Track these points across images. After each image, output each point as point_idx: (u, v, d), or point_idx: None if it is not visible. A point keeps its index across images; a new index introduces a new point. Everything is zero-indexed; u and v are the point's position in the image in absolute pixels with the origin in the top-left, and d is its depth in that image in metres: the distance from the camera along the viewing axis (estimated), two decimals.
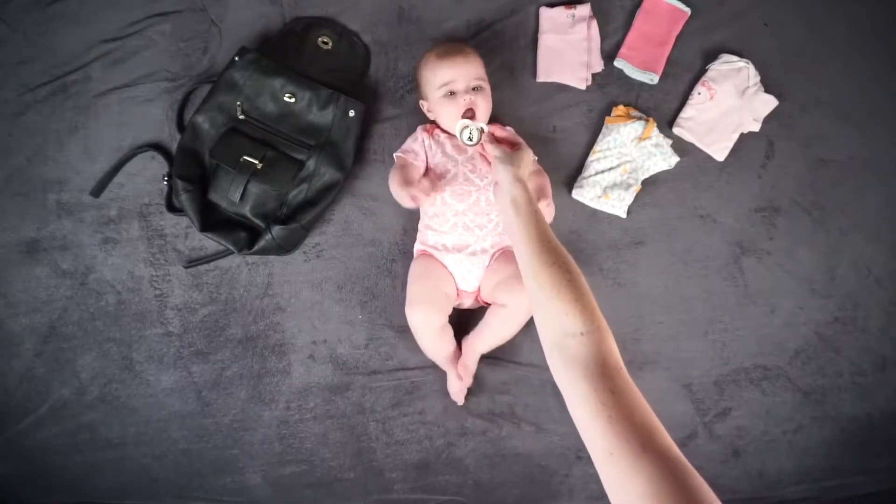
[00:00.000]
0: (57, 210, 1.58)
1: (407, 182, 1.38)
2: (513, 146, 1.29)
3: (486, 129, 1.34)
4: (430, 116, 1.50)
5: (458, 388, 1.48)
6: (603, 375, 0.86)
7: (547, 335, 0.96)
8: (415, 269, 1.45)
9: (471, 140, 1.35)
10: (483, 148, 1.33)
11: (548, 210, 1.41)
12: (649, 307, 1.54)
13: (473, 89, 1.41)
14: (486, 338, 1.45)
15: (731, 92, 1.55)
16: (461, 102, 1.39)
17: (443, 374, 1.52)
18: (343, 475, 1.53)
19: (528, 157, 1.28)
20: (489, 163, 1.32)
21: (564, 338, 0.92)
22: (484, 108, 1.42)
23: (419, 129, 1.51)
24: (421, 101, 1.50)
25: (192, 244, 1.57)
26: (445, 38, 1.60)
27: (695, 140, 1.56)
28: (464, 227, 1.42)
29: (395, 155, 1.47)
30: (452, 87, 1.40)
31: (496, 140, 1.31)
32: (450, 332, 1.45)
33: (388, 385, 1.53)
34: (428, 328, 1.39)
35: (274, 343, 1.55)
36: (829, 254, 1.56)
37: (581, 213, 1.56)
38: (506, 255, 1.44)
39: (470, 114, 1.39)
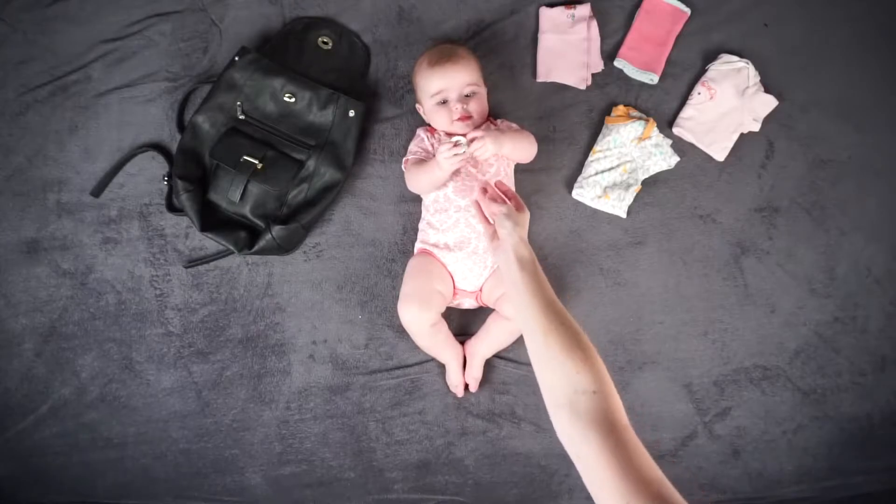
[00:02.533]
0: (57, 210, 1.58)
1: (427, 163, 1.40)
2: (515, 202, 1.26)
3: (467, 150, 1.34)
4: (427, 120, 1.50)
5: (457, 381, 1.49)
6: (613, 430, 0.89)
7: (556, 392, 0.97)
8: (411, 265, 1.46)
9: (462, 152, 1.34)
10: (481, 195, 1.29)
11: (522, 134, 1.46)
12: (649, 307, 1.54)
13: (466, 96, 1.42)
14: (487, 344, 1.47)
15: (730, 92, 1.55)
16: (453, 110, 1.41)
17: (443, 374, 1.52)
18: (343, 475, 1.53)
19: (528, 219, 1.27)
20: (486, 219, 1.28)
21: (576, 394, 0.94)
22: (477, 112, 1.43)
23: (420, 130, 1.52)
24: (417, 105, 1.51)
25: (192, 244, 1.57)
26: (442, 39, 1.60)
27: (695, 140, 1.56)
28: (465, 223, 1.42)
29: (405, 160, 1.48)
30: (444, 96, 1.42)
31: (500, 195, 1.29)
32: (444, 328, 1.45)
33: (388, 385, 1.53)
34: (419, 325, 1.40)
35: (274, 343, 1.55)
36: (829, 254, 1.56)
37: (581, 213, 1.56)
38: None
39: (465, 121, 1.40)
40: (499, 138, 1.36)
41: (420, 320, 1.39)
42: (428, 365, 1.53)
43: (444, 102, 1.42)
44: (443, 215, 1.44)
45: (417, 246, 1.49)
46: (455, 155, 1.32)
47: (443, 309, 1.43)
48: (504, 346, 1.49)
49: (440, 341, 1.45)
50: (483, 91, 1.46)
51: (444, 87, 1.41)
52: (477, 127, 1.43)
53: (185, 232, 1.57)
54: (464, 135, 1.35)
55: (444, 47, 1.51)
